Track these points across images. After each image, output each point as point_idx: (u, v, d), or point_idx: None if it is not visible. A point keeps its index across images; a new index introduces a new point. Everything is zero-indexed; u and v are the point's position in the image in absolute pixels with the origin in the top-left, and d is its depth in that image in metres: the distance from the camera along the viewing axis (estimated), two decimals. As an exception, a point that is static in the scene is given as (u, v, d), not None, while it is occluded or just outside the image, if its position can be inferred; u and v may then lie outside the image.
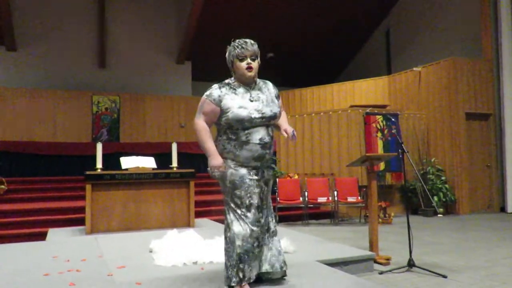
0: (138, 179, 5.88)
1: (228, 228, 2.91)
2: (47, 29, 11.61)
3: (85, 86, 11.77)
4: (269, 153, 2.95)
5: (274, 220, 3.15)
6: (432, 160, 9.11)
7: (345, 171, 8.40)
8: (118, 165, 6.09)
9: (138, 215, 5.87)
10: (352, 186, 7.96)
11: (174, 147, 6.35)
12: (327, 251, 4.26)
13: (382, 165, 8.43)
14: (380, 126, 8.56)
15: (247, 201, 2.85)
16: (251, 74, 2.92)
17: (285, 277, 3.15)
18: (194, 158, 10.35)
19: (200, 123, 2.93)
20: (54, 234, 5.69)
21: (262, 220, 2.94)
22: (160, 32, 12.71)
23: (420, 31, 12.03)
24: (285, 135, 2.96)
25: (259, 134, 2.87)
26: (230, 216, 2.90)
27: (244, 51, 2.89)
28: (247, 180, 2.86)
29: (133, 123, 11.78)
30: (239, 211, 2.86)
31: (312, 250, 4.31)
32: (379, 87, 11.00)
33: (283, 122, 3.10)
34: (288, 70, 14.40)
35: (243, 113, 2.83)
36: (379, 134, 8.55)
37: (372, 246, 4.60)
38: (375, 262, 4.38)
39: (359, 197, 7.77)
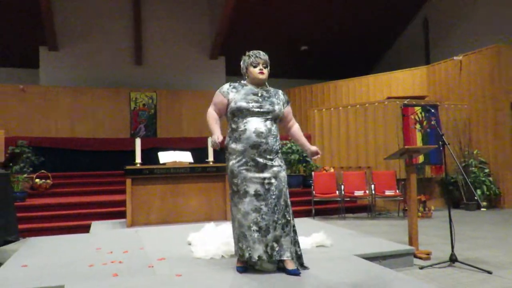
0: (175, 173, 6.00)
1: (231, 211, 3.37)
2: (86, 29, 12.01)
3: (123, 83, 12.11)
4: (265, 143, 3.23)
5: (291, 213, 3.30)
6: (474, 152, 8.77)
7: (382, 164, 8.24)
8: (155, 160, 6.24)
9: (176, 208, 6.00)
10: (389, 179, 7.79)
11: (210, 141, 6.41)
12: (364, 245, 4.20)
13: (421, 158, 8.21)
14: (419, 117, 8.32)
15: (243, 189, 3.21)
16: (262, 77, 3.38)
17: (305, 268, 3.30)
18: (229, 152, 10.43)
19: (210, 110, 3.47)
20: (97, 226, 5.91)
21: (264, 208, 3.17)
22: (194, 28, 12.87)
23: (460, 18, 11.57)
24: (315, 156, 3.45)
25: (255, 124, 3.25)
26: (231, 202, 3.34)
27: (258, 59, 3.38)
28: (244, 171, 3.22)
29: (169, 118, 12.01)
30: (236, 198, 3.25)
31: (349, 244, 4.26)
32: (417, 77, 10.69)
33: (304, 141, 3.54)
34: (323, 62, 14.23)
35: (243, 103, 3.28)
36: (418, 126, 8.32)
37: (412, 240, 4.50)
38: (415, 256, 4.28)
39: (397, 191, 7.61)
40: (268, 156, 3.25)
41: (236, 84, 3.42)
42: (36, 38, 11.52)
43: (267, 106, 3.30)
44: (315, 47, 13.55)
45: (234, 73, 13.66)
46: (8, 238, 4.50)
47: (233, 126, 3.32)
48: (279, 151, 3.34)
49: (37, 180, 8.11)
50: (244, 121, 3.25)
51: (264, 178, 3.21)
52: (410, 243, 4.49)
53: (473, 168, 8.52)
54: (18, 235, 5.61)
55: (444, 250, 4.60)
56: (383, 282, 3.04)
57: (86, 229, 6.00)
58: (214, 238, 4.11)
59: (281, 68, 13.48)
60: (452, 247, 4.12)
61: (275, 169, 3.25)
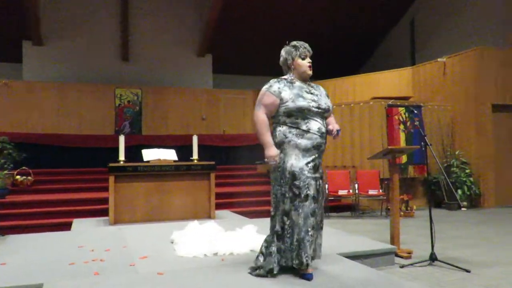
0: (160, 171, 5.96)
1: (286, 215, 3.06)
2: (72, 23, 11.85)
3: (108, 80, 11.98)
4: (324, 143, 3.17)
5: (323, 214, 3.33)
6: (456, 152, 8.91)
7: (366, 163, 8.31)
8: (140, 157, 6.19)
9: (160, 206, 5.96)
10: (373, 179, 7.87)
11: (195, 139, 6.41)
12: (347, 244, 4.23)
13: (404, 158, 8.30)
14: (403, 118, 8.42)
15: (305, 191, 3.01)
16: (311, 72, 3.23)
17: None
18: (215, 150, 10.44)
19: (260, 115, 3.13)
20: (79, 224, 5.84)
21: (317, 211, 3.12)
22: (182, 25, 12.80)
23: (445, 20, 11.73)
24: (331, 133, 3.23)
25: (317, 124, 3.11)
26: (287, 205, 3.06)
27: (306, 51, 3.23)
28: (306, 172, 3.04)
29: (155, 115, 11.92)
30: (297, 201, 3.02)
31: (333, 243, 4.28)
32: (403, 78, 10.80)
33: (332, 121, 3.32)
34: (309, 62, 14.27)
35: (303, 102, 3.07)
36: (402, 127, 8.41)
37: (394, 239, 4.55)
38: (396, 255, 4.34)
39: (380, 190, 7.69)
40: (321, 157, 3.19)
41: (285, 81, 3.18)
42: (20, 33, 11.32)
43: (323, 106, 3.15)
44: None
45: (221, 71, 13.73)
46: (-12, 236, 4.42)
47: (292, 125, 3.09)
48: None
49: (17, 176, 7.99)
50: (305, 121, 3.07)
51: (317, 179, 3.12)
52: (392, 242, 4.54)
53: (455, 169, 8.66)
54: (-2, 233, 5.52)
55: (425, 249, 4.66)
56: (364, 281, 3.07)
57: (68, 227, 5.93)
58: (198, 237, 4.11)
59: (269, 66, 13.47)
60: (432, 246, 4.19)
61: (321, 170, 3.20)
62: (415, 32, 13.06)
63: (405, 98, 9.24)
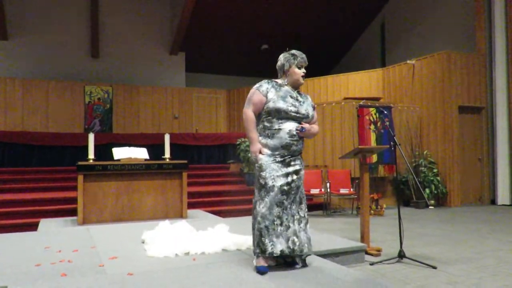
0: (130, 170, 5.86)
1: (254, 206, 3.31)
2: (39, 18, 11.50)
3: (77, 76, 11.70)
4: (295, 145, 3.31)
5: (305, 210, 3.43)
6: (424, 152, 9.16)
7: (338, 163, 8.43)
8: (111, 156, 6.07)
9: (130, 206, 5.87)
10: (344, 178, 7.99)
11: (167, 138, 6.34)
12: (318, 243, 4.27)
13: (374, 157, 8.47)
14: (373, 118, 8.58)
15: (270, 182, 3.20)
16: (303, 82, 3.44)
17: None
18: (187, 149, 10.35)
19: (248, 113, 3.34)
20: (46, 224, 5.68)
21: (286, 203, 3.26)
22: (154, 22, 12.63)
23: (415, 24, 12.03)
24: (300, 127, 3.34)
25: (289, 126, 3.28)
26: (256, 196, 3.30)
27: (303, 62, 3.40)
28: (272, 164, 3.24)
29: (126, 113, 11.73)
30: (262, 191, 3.23)
31: (304, 242, 4.32)
32: (373, 79, 11.02)
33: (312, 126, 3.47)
34: (283, 62, 14.34)
35: (282, 105, 3.26)
36: (372, 127, 8.57)
37: (364, 237, 4.64)
38: (366, 253, 4.42)
39: (351, 189, 7.81)
40: (294, 155, 3.33)
41: (274, 84, 3.37)
42: (-17, 26, 10.91)
43: (302, 112, 3.33)
44: (276, 46, 13.63)
45: (194, 69, 13.62)
46: None
47: (267, 124, 3.31)
48: (302, 151, 3.45)
49: (-19, 175, 7.70)
50: (280, 121, 3.27)
51: (288, 174, 3.26)
52: (362, 240, 4.62)
53: (423, 168, 8.90)
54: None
55: (394, 246, 4.77)
56: (335, 279, 3.11)
57: (35, 227, 5.75)
58: (169, 236, 4.06)
59: (242, 65, 13.49)
60: (401, 243, 4.28)
61: (297, 167, 3.33)
62: (385, 35, 13.34)
63: (375, 99, 9.42)
